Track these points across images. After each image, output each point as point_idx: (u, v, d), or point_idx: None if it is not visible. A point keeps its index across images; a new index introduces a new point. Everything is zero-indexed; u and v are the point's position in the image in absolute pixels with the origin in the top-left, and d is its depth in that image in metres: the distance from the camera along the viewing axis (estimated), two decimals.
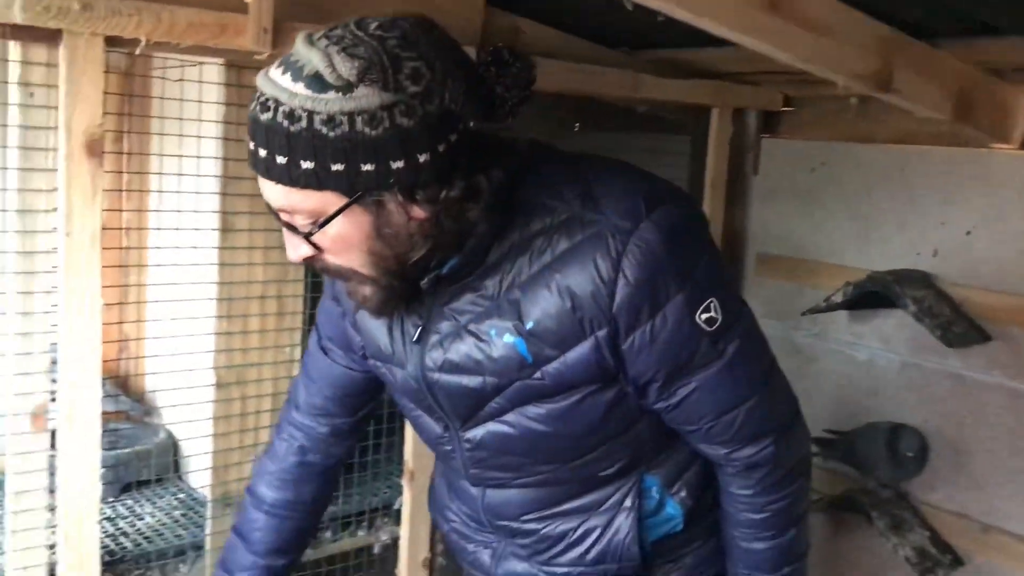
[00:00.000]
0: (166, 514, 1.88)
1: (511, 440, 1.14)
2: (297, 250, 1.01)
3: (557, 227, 1.04)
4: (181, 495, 1.98)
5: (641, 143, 2.50)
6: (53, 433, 1.51)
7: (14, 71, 1.41)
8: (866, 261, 2.16)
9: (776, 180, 2.40)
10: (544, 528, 1.22)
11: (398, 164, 0.93)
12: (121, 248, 1.89)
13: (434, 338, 1.11)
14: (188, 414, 1.73)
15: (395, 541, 1.99)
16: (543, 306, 1.04)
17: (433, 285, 1.06)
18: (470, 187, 0.99)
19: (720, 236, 2.34)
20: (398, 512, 1.98)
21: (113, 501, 1.92)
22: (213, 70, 1.63)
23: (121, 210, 1.89)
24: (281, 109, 0.91)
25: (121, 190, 1.94)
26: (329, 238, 0.98)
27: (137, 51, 1.45)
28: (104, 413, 2.03)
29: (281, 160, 0.93)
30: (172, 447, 2.07)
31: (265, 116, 0.93)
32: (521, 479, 1.19)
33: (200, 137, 1.63)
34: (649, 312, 1.03)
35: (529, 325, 1.05)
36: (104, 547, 1.69)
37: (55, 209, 1.44)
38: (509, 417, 1.12)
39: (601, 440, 1.14)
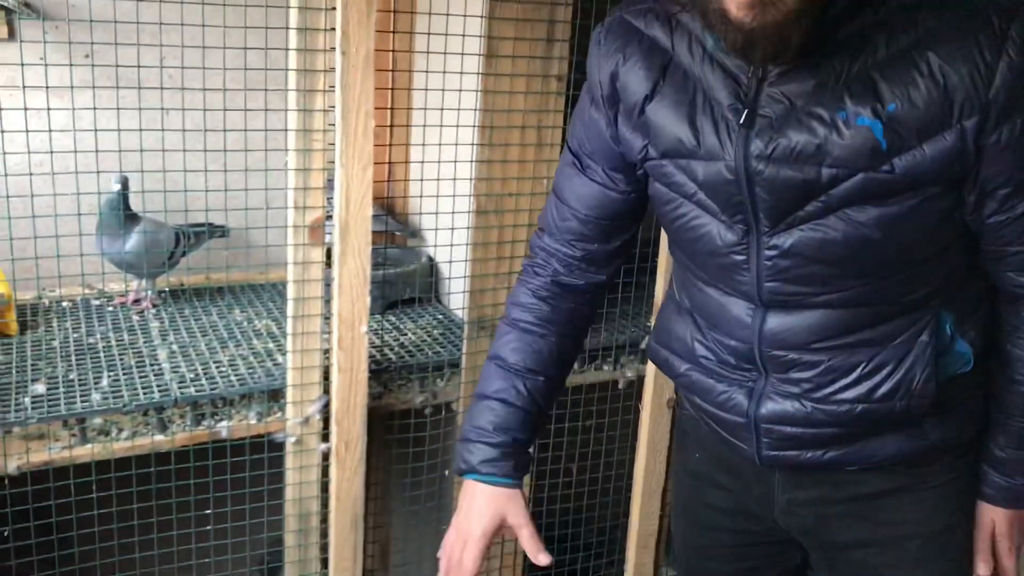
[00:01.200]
0: (426, 332, 1.98)
1: (828, 246, 1.04)
2: None
3: (917, 3, 0.96)
4: (440, 315, 2.07)
5: None
6: (329, 249, 1.61)
7: None
8: None
9: None
10: (832, 359, 1.12)
11: None
12: (388, 70, 1.93)
13: (761, 123, 1.01)
14: (448, 239, 1.77)
15: (640, 379, 2.00)
16: (909, 88, 0.95)
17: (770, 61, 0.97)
18: None
19: None
20: (643, 352, 1.99)
21: (379, 317, 2.05)
22: None
23: (390, 31, 1.92)
24: None
25: (391, 11, 1.97)
26: None
27: None
28: (376, 235, 2.17)
29: None
30: (432, 270, 2.17)
31: None
32: (823, 295, 1.08)
33: None
34: None
35: (891, 107, 0.96)
36: (371, 356, 1.82)
37: (333, 28, 1.49)
38: (830, 220, 1.03)
39: (921, 255, 1.06)
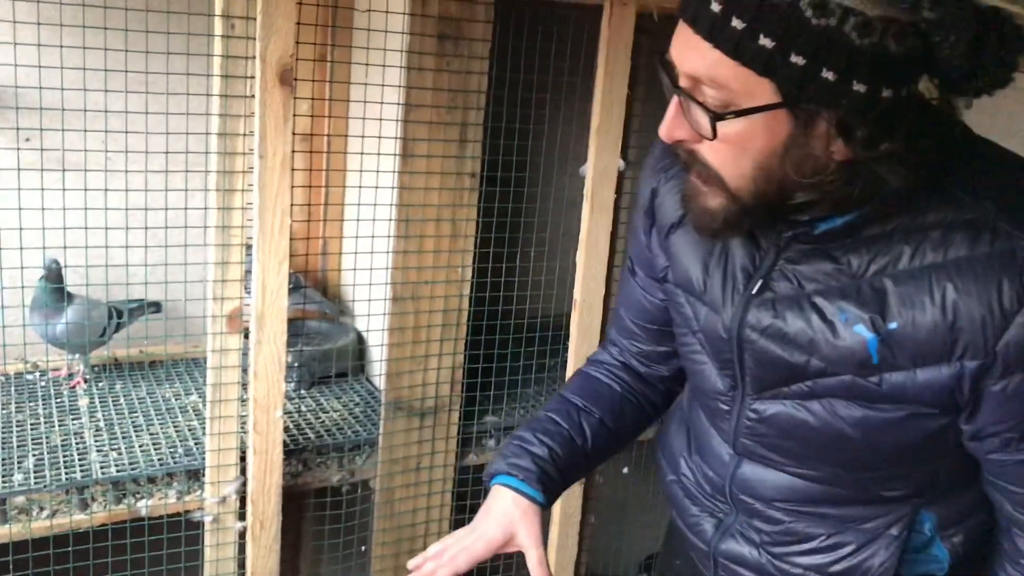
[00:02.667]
0: (348, 410, 2.05)
1: (805, 428, 1.01)
2: (675, 129, 0.89)
3: (958, 226, 0.88)
4: (364, 392, 2.15)
5: None
6: (246, 333, 1.69)
7: (218, 3, 1.54)
8: None
9: None
10: (792, 522, 1.10)
11: (860, 87, 0.80)
12: (319, 170, 2.04)
13: (767, 295, 0.98)
14: (372, 321, 1.87)
15: None
16: (916, 311, 0.89)
17: (790, 238, 0.95)
18: (911, 149, 0.85)
19: None
20: None
21: (304, 393, 2.13)
22: (399, 0, 1.70)
23: (324, 134, 2.04)
24: None
25: (325, 116, 2.09)
26: (732, 131, 0.85)
27: None
28: (304, 312, 2.25)
29: (737, 24, 0.80)
30: (359, 347, 2.25)
31: None
32: (792, 468, 1.07)
33: (384, 66, 1.71)
34: None
35: (892, 326, 0.90)
36: (290, 435, 1.90)
37: (252, 133, 1.58)
38: (813, 404, 1.00)
39: (902, 463, 1.02)
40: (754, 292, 0.99)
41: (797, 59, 0.79)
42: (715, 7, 0.80)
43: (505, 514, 1.12)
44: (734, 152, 0.87)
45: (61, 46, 1.64)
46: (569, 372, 1.98)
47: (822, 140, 0.84)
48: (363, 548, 1.97)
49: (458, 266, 1.87)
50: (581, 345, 1.97)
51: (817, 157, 0.85)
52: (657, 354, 1.25)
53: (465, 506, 2.02)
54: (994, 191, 0.89)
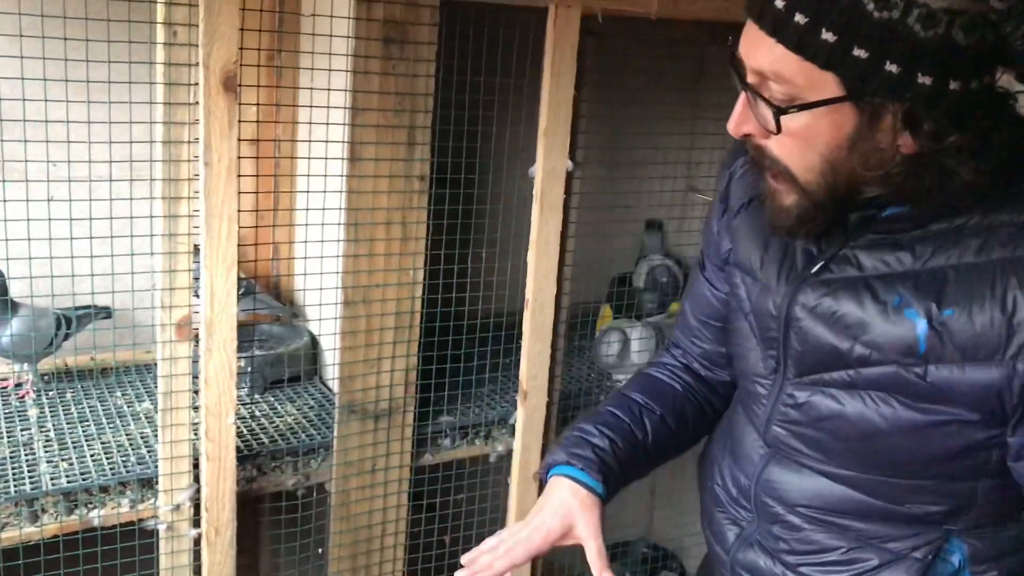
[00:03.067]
0: (303, 414, 2.05)
1: (839, 419, 1.00)
2: (742, 124, 0.91)
3: None
4: (319, 395, 2.15)
5: None
6: (197, 339, 1.69)
7: (160, 11, 1.52)
8: None
9: None
10: (811, 530, 1.08)
11: (925, 80, 0.80)
12: (269, 176, 2.03)
13: (824, 276, 0.98)
14: (324, 325, 1.87)
15: (509, 453, 2.11)
16: (974, 302, 0.88)
17: (858, 223, 0.95)
18: (982, 141, 0.86)
19: None
20: (513, 426, 2.09)
21: (259, 397, 2.12)
22: (344, 4, 1.69)
23: (272, 139, 2.03)
24: None
25: (273, 121, 2.09)
26: (797, 125, 0.87)
27: None
28: (257, 315, 2.25)
29: (800, 19, 0.82)
30: (313, 350, 2.25)
31: None
32: (819, 465, 1.05)
33: (330, 71, 1.71)
34: None
35: (947, 312, 0.89)
36: (244, 441, 1.89)
37: (196, 140, 1.58)
38: (851, 396, 0.98)
39: (934, 475, 0.98)
40: (812, 272, 1.00)
41: (860, 52, 0.80)
42: (779, 3, 0.82)
43: (563, 504, 1.09)
44: (800, 146, 0.88)
45: None
46: (523, 370, 1.99)
47: (888, 133, 0.85)
48: (319, 550, 1.98)
49: (409, 268, 1.87)
50: (534, 344, 1.99)
51: (884, 150, 0.87)
52: (719, 355, 1.25)
53: (421, 506, 2.04)
54: None
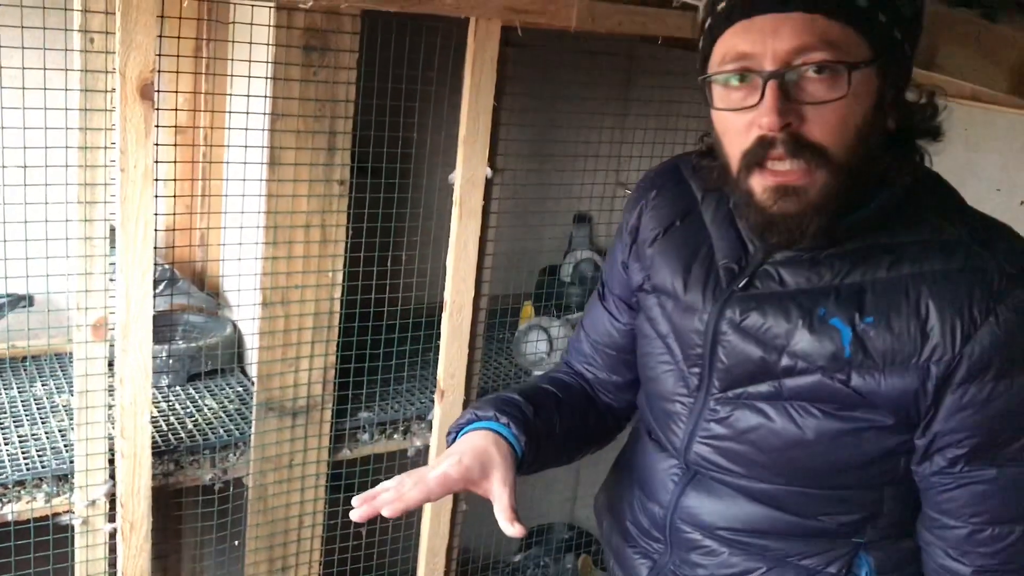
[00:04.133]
0: (222, 408, 2.08)
1: (764, 430, 1.05)
2: (785, 114, 0.92)
3: (936, 244, 0.98)
4: (240, 388, 2.18)
5: None
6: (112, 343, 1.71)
7: (76, 18, 1.53)
8: None
9: None
10: (733, 554, 1.12)
11: (907, 50, 0.96)
12: (195, 162, 2.04)
13: (750, 291, 1.05)
14: (246, 321, 1.90)
15: (427, 447, 2.16)
16: (891, 310, 0.96)
17: (765, 235, 1.01)
18: (928, 127, 1.01)
19: None
20: (431, 422, 2.15)
21: (179, 390, 2.14)
22: (263, 12, 1.71)
23: (199, 126, 2.04)
24: None
25: (201, 110, 2.10)
26: (843, 94, 0.92)
27: (185, 1, 1.56)
28: (181, 306, 2.27)
29: None
30: (237, 341, 2.28)
31: None
32: (740, 481, 1.09)
33: (250, 77, 1.73)
34: (997, 371, 0.94)
35: (868, 320, 0.97)
36: (163, 435, 1.93)
37: (113, 145, 1.59)
38: (775, 407, 1.04)
39: (850, 482, 1.05)
40: (738, 288, 1.05)
41: (882, 17, 0.91)
42: None
43: (485, 451, 1.05)
44: (840, 120, 0.93)
45: None
46: (441, 370, 2.04)
47: (882, 107, 0.95)
48: (236, 543, 2.02)
49: (328, 270, 1.91)
50: (452, 344, 2.04)
51: (881, 126, 0.96)
52: (612, 384, 1.30)
53: (339, 499, 2.09)
54: (966, 219, 1.00)
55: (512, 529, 1.00)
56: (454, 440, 1.12)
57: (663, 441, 1.18)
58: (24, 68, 1.60)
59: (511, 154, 2.04)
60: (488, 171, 1.94)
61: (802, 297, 1.01)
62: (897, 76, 0.96)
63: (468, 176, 1.93)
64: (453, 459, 1.04)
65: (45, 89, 1.61)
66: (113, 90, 1.55)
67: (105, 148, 1.58)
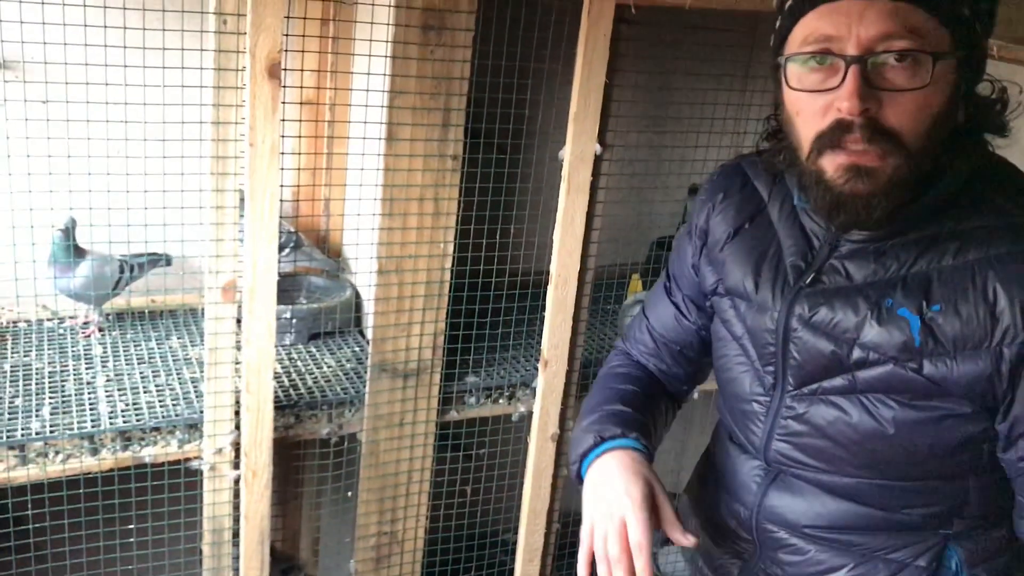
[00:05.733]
0: (340, 367, 2.21)
1: (842, 424, 1.06)
2: (865, 100, 0.93)
3: (1002, 229, 0.97)
4: (357, 348, 2.30)
5: None
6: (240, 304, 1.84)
7: (212, 1, 1.63)
8: None
9: None
10: (818, 550, 1.13)
11: (980, 49, 0.98)
12: (320, 137, 2.15)
13: (815, 287, 1.06)
14: (365, 289, 2.00)
15: (530, 413, 2.24)
16: (959, 297, 0.96)
17: (832, 231, 1.04)
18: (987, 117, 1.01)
19: None
20: (535, 389, 2.22)
21: (301, 348, 2.28)
22: None
23: (325, 103, 2.15)
24: None
25: (327, 87, 2.21)
26: (924, 82, 0.93)
27: None
28: (305, 268, 2.40)
29: None
30: (355, 303, 2.39)
31: None
32: (825, 475, 1.10)
33: (371, 56, 1.81)
34: None
35: (935, 308, 0.97)
36: (284, 390, 2.06)
37: (243, 120, 1.70)
38: (851, 400, 1.05)
39: (933, 472, 1.05)
40: (805, 284, 1.06)
41: (965, 10, 0.93)
42: None
43: (632, 467, 1.10)
44: (918, 108, 0.93)
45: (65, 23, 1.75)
46: (545, 341, 2.11)
47: (957, 98, 0.96)
48: (349, 494, 2.15)
49: (440, 242, 1.99)
50: (556, 316, 2.10)
51: (954, 117, 0.97)
52: (672, 376, 1.33)
53: (445, 458, 2.19)
54: None
55: (685, 541, 1.08)
56: (583, 466, 1.16)
57: (744, 442, 1.19)
58: (164, 49, 1.71)
59: (622, 130, 2.07)
60: (597, 147, 1.98)
61: (869, 289, 1.02)
62: (973, 70, 0.97)
63: (577, 152, 1.97)
64: (632, 508, 1.07)
65: (183, 68, 1.73)
66: (244, 69, 1.66)
67: (236, 123, 1.69)
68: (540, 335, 2.18)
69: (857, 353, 1.02)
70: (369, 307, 2.12)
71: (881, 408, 1.02)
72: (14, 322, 2.26)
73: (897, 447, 1.03)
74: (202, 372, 2.10)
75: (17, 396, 1.94)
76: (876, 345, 1.00)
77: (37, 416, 1.87)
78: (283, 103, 1.70)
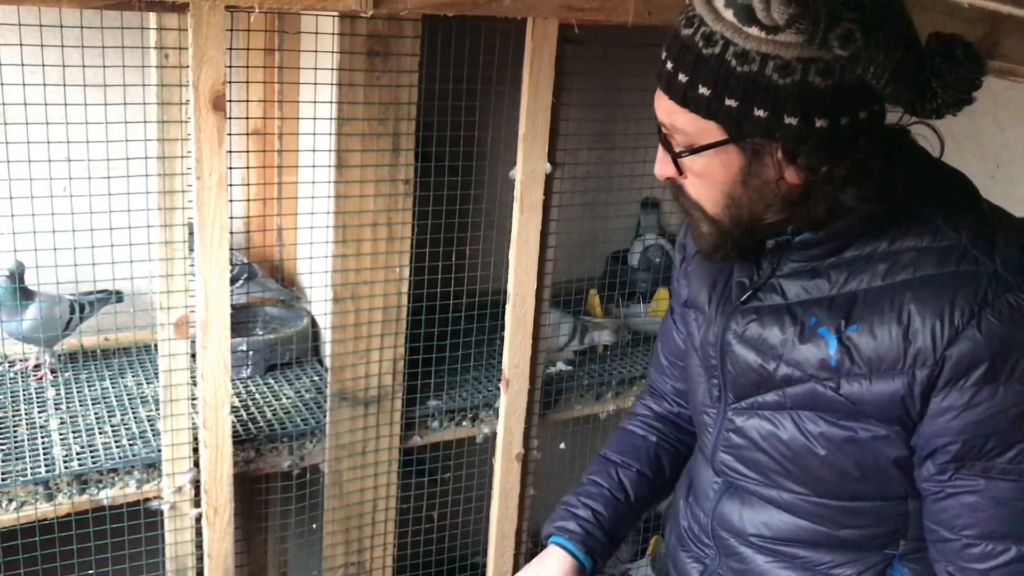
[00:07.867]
0: (299, 397, 2.18)
1: (774, 440, 1.08)
2: (663, 167, 1.03)
3: (933, 250, 0.97)
4: (316, 378, 2.28)
5: None
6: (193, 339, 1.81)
7: (152, 36, 1.62)
8: None
9: None
10: (764, 560, 1.15)
11: (791, 120, 0.91)
12: (271, 167, 2.14)
13: (752, 304, 1.09)
14: (321, 317, 1.98)
15: (494, 434, 2.23)
16: (876, 318, 0.97)
17: (777, 251, 1.06)
18: (858, 169, 0.95)
19: None
20: (497, 409, 2.21)
21: (259, 380, 2.25)
22: (328, 21, 1.78)
23: (275, 133, 2.13)
24: (702, 30, 0.92)
25: (275, 117, 2.20)
26: (696, 167, 0.99)
27: (252, 16, 1.63)
28: (259, 299, 2.37)
29: (682, 78, 0.94)
30: (312, 332, 2.37)
31: (686, 32, 0.94)
32: (763, 489, 1.13)
33: (316, 84, 1.80)
34: (982, 377, 0.93)
35: (851, 328, 0.99)
36: (243, 424, 2.03)
37: (189, 154, 1.68)
38: (784, 416, 1.07)
39: (866, 493, 1.06)
40: (742, 301, 1.10)
41: (731, 102, 0.92)
42: (669, 66, 0.97)
43: (557, 565, 1.25)
44: (704, 184, 1.01)
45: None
46: (505, 360, 2.10)
47: (773, 168, 0.97)
48: (314, 526, 2.13)
49: (395, 266, 1.98)
50: (515, 335, 2.09)
51: (772, 182, 0.98)
52: (682, 392, 1.34)
53: (410, 484, 2.17)
54: (971, 222, 0.98)
55: None
56: (547, 540, 1.29)
57: (702, 448, 1.23)
58: (106, 85, 1.69)
59: (572, 148, 2.08)
60: (548, 166, 1.98)
61: (798, 308, 1.04)
62: (793, 145, 0.94)
63: (528, 172, 1.97)
64: None
65: (125, 104, 1.71)
66: (188, 102, 1.64)
67: (182, 157, 1.68)
68: (500, 355, 2.18)
69: (783, 370, 1.05)
70: (326, 335, 2.10)
71: (810, 425, 1.05)
72: None
73: (828, 465, 1.05)
74: (158, 410, 2.06)
75: None
76: (797, 363, 1.03)
77: None
78: (229, 134, 1.69)
